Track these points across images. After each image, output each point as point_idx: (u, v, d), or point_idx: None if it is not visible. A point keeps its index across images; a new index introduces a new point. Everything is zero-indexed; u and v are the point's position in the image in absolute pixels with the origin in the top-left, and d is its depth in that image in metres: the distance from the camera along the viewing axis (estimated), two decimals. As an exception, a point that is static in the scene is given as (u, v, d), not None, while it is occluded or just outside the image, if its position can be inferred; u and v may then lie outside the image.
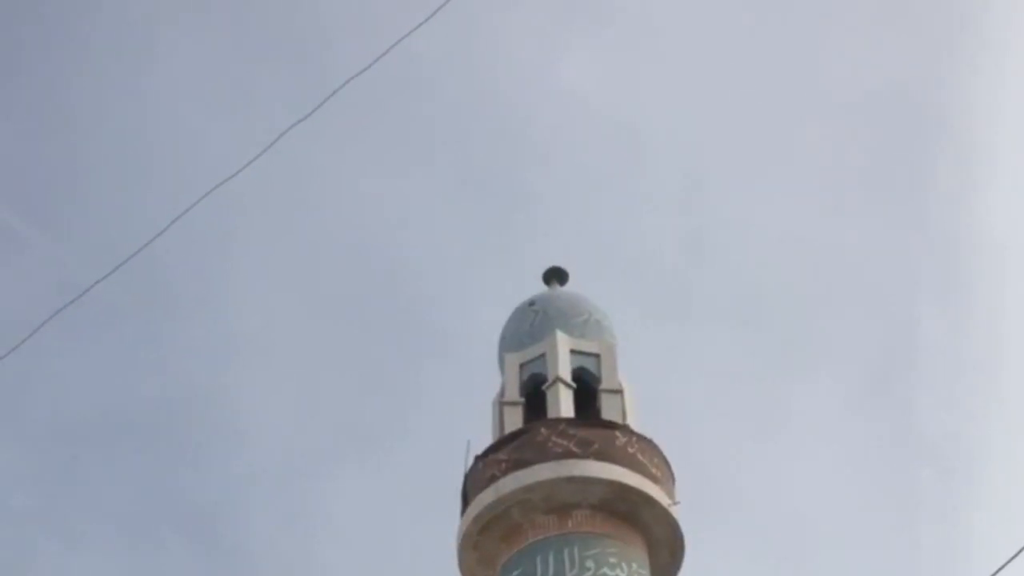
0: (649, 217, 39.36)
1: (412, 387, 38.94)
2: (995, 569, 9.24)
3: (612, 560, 16.13)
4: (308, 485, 38.25)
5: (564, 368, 18.67)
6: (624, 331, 20.19)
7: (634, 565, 16.32)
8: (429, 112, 39.20)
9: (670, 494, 17.26)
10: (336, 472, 38.85)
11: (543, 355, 18.97)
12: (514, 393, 18.82)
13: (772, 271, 40.08)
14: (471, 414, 20.69)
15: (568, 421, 17.55)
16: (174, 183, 35.48)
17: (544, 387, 18.58)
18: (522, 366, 19.12)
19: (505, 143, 39.76)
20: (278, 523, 38.89)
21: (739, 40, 38.72)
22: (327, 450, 39.57)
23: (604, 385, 18.73)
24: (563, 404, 18.14)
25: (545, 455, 16.81)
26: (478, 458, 17.59)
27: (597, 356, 19.10)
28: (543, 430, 17.23)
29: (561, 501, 16.60)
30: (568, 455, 16.77)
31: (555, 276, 20.79)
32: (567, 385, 18.47)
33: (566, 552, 16.15)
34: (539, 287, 20.72)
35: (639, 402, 19.07)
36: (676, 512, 17.08)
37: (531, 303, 20.07)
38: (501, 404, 18.90)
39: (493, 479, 16.96)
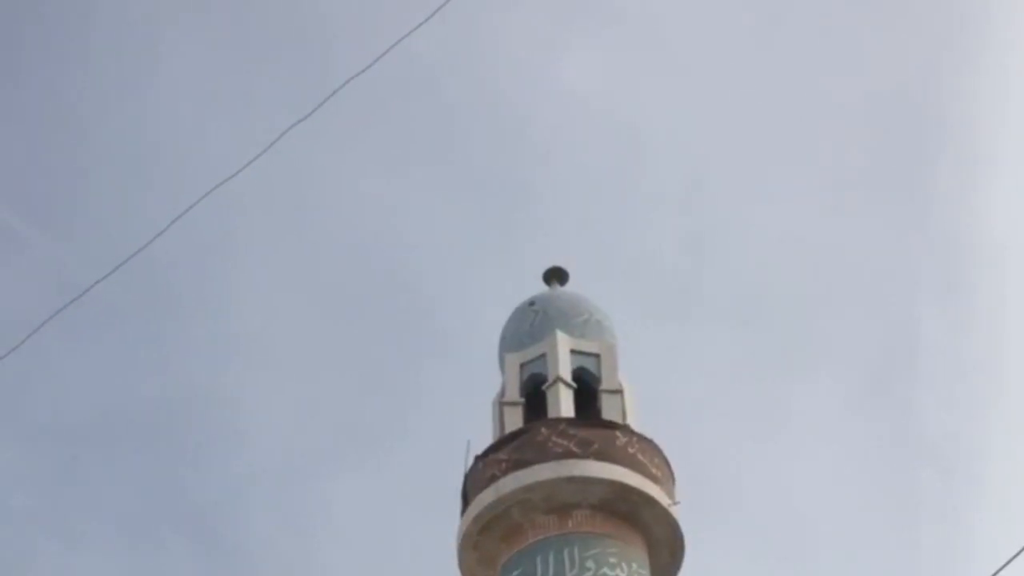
0: (649, 217, 39.42)
1: (412, 387, 38.98)
2: (996, 569, 9.23)
3: (612, 560, 16.13)
4: (308, 485, 38.30)
5: (564, 368, 18.67)
6: (624, 331, 20.21)
7: (634, 565, 16.32)
8: (429, 112, 39.25)
9: (670, 494, 17.26)
10: (336, 472, 38.91)
11: (543, 355, 18.97)
12: (514, 393, 18.82)
13: (773, 271, 40.13)
14: (471, 414, 20.72)
15: (568, 421, 17.55)
16: (174, 183, 35.52)
17: (544, 387, 18.58)
18: (522, 366, 19.12)
19: (505, 143, 39.79)
20: (278, 523, 38.94)
21: (739, 40, 38.77)
22: (327, 450, 39.61)
23: (604, 385, 18.73)
24: (563, 404, 18.14)
25: (545, 455, 16.81)
26: (478, 458, 17.59)
27: (597, 356, 19.10)
28: (543, 430, 17.23)
29: (561, 501, 16.60)
30: (568, 455, 16.77)
31: (555, 276, 20.78)
32: (567, 385, 18.47)
33: (566, 552, 16.15)
34: (539, 287, 20.71)
35: (639, 402, 19.08)
36: (676, 512, 17.08)
37: (531, 303, 20.06)
38: (501, 404, 18.90)
39: (493, 479, 16.96)
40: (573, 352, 18.99)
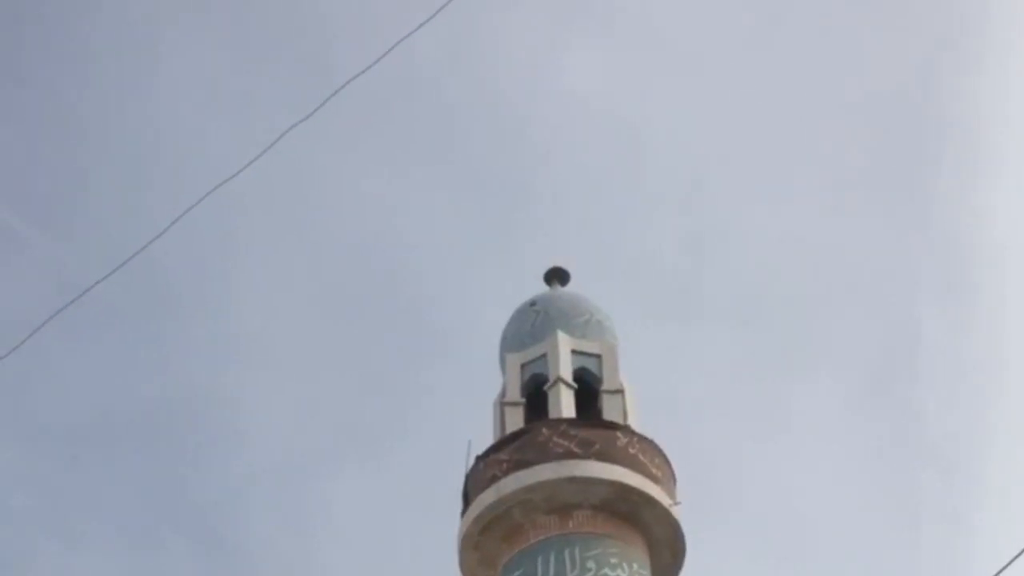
0: (650, 217, 39.44)
1: (413, 387, 38.99)
2: (997, 570, 9.22)
3: (613, 560, 16.12)
4: (308, 485, 38.30)
5: (565, 368, 18.66)
6: (625, 331, 20.22)
7: (635, 565, 16.31)
8: (430, 112, 39.26)
9: (671, 494, 17.26)
10: (336, 472, 38.92)
11: (544, 355, 18.97)
12: (515, 393, 18.82)
13: (773, 271, 40.13)
14: (472, 414, 20.72)
15: (569, 421, 17.54)
16: (175, 183, 35.54)
17: (545, 387, 18.57)
18: (523, 366, 19.12)
19: (506, 143, 39.80)
20: (278, 523, 38.94)
21: (740, 40, 38.77)
22: (327, 450, 39.63)
23: (605, 385, 18.73)
24: (564, 404, 18.14)
25: (546, 455, 16.80)
26: (479, 458, 17.59)
27: (598, 356, 19.10)
28: (544, 430, 17.22)
29: (562, 501, 16.59)
30: (569, 455, 16.77)
31: (556, 276, 20.78)
32: (568, 385, 18.47)
33: (567, 552, 16.14)
34: (540, 287, 20.72)
35: (640, 402, 19.08)
36: (677, 512, 17.08)
37: (532, 303, 20.06)
38: (502, 404, 18.90)
39: (494, 479, 16.95)
40: (574, 352, 18.99)
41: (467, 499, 17.39)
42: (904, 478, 36.87)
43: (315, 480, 39.06)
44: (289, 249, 39.27)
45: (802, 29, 39.16)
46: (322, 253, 39.42)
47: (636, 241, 38.52)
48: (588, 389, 18.79)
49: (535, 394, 18.71)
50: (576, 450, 16.83)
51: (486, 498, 16.90)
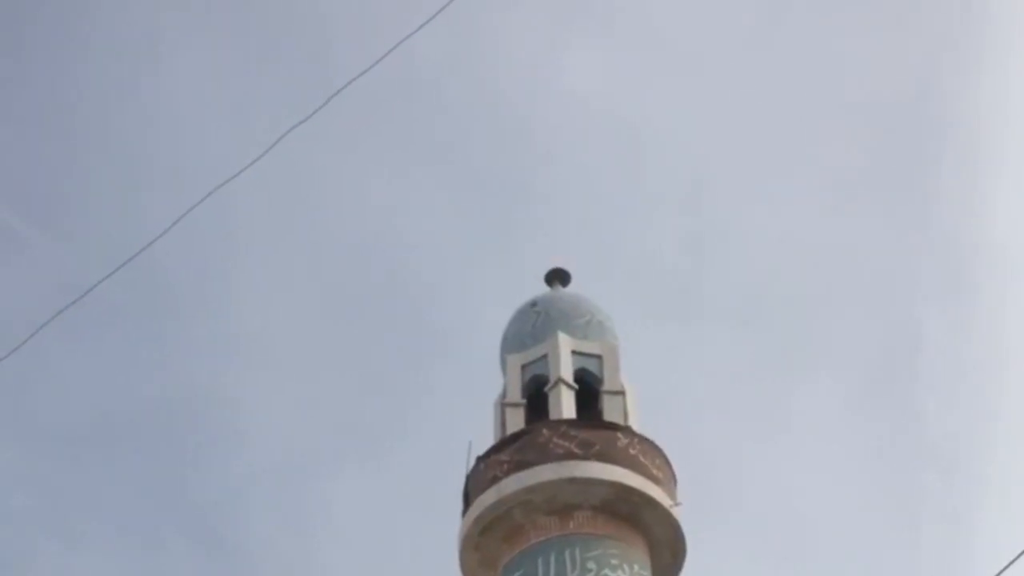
0: (650, 217, 39.43)
1: (413, 387, 39.01)
2: (998, 571, 9.22)
3: (614, 561, 16.12)
4: (308, 485, 38.31)
5: (566, 369, 18.65)
6: (625, 331, 20.20)
7: (636, 566, 16.31)
8: (430, 113, 39.27)
9: (672, 495, 17.25)
10: (336, 472, 38.93)
11: (545, 356, 18.96)
12: (516, 394, 18.81)
13: (773, 271, 40.13)
14: (472, 415, 20.71)
15: (570, 422, 17.53)
16: (175, 184, 35.54)
17: (546, 388, 18.56)
18: (524, 367, 19.11)
19: (506, 144, 39.80)
20: (278, 523, 38.95)
21: (740, 40, 38.77)
22: (327, 450, 39.66)
23: (606, 386, 18.72)
24: (565, 405, 18.13)
25: (547, 456, 16.79)
26: (480, 459, 17.58)
27: (599, 357, 19.09)
28: (545, 431, 17.22)
29: (563, 502, 16.59)
30: (570, 456, 16.76)
31: (557, 277, 20.76)
32: (569, 386, 18.46)
33: (568, 553, 16.13)
34: (540, 287, 20.71)
35: (640, 402, 19.06)
36: (678, 513, 17.07)
37: (533, 304, 20.05)
38: (503, 405, 18.89)
39: (495, 480, 16.94)
40: (575, 353, 18.98)
41: (468, 500, 17.39)
42: (904, 478, 36.91)
43: (315, 480, 39.13)
44: (289, 249, 39.32)
45: (802, 29, 39.21)
46: (322, 253, 39.46)
47: (636, 241, 38.56)
48: (589, 390, 18.78)
49: (536, 395, 18.70)
50: (577, 451, 16.82)
51: (487, 499, 16.89)
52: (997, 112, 38.28)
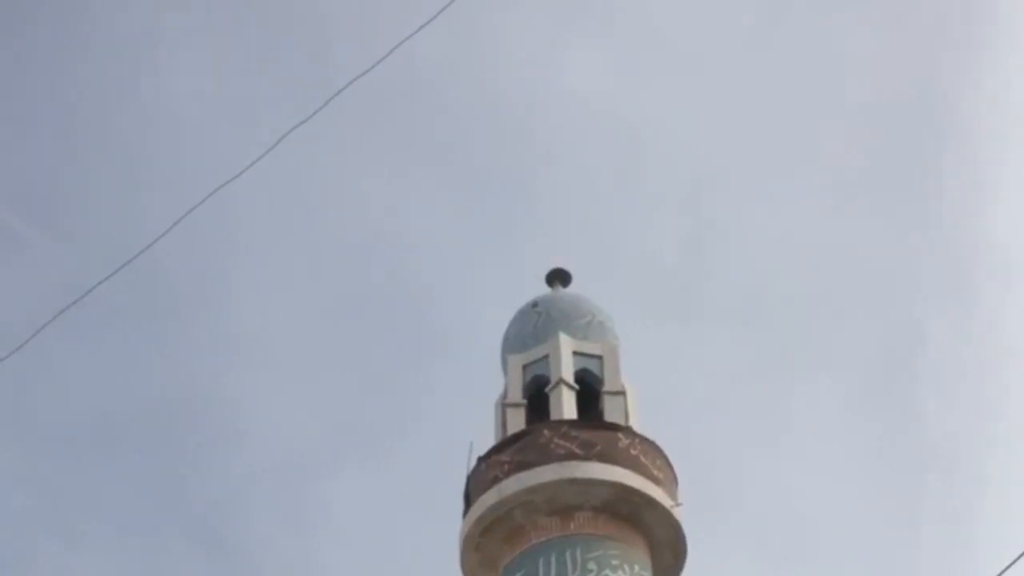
0: (650, 217, 39.40)
1: (414, 388, 38.99)
2: (999, 571, 9.21)
3: (614, 562, 16.11)
4: (308, 485, 38.29)
5: (567, 370, 18.65)
6: (625, 331, 20.19)
7: (636, 567, 16.31)
8: (431, 113, 39.25)
9: (672, 496, 17.24)
10: (336, 472, 38.91)
11: (546, 357, 18.95)
12: (517, 395, 18.80)
13: (773, 271, 40.11)
14: (473, 415, 20.68)
15: (571, 423, 17.53)
16: (176, 184, 35.51)
17: (547, 389, 18.56)
18: (525, 367, 19.11)
19: (507, 144, 39.78)
20: (278, 523, 38.93)
21: (740, 40, 38.75)
22: (327, 450, 39.65)
23: (607, 387, 18.72)
24: (566, 406, 18.13)
25: (548, 457, 16.79)
26: (480, 459, 17.58)
27: (600, 358, 19.08)
28: (546, 432, 17.21)
29: (564, 503, 16.58)
30: (571, 457, 16.76)
31: (558, 277, 20.75)
32: (570, 387, 18.46)
33: (568, 554, 16.13)
34: (541, 288, 20.70)
35: (641, 402, 19.06)
36: (678, 513, 17.06)
37: (534, 304, 20.04)
38: (504, 405, 18.89)
39: (496, 480, 16.94)
40: (576, 354, 18.97)
41: (468, 500, 17.39)
42: (904, 478, 36.89)
43: (315, 480, 39.11)
44: (289, 249, 39.30)
45: (802, 29, 39.18)
46: (322, 253, 39.45)
47: (636, 241, 38.54)
48: (590, 390, 18.78)
49: (537, 395, 18.70)
50: (577, 451, 16.82)
51: (487, 499, 16.89)
52: (997, 112, 38.28)
